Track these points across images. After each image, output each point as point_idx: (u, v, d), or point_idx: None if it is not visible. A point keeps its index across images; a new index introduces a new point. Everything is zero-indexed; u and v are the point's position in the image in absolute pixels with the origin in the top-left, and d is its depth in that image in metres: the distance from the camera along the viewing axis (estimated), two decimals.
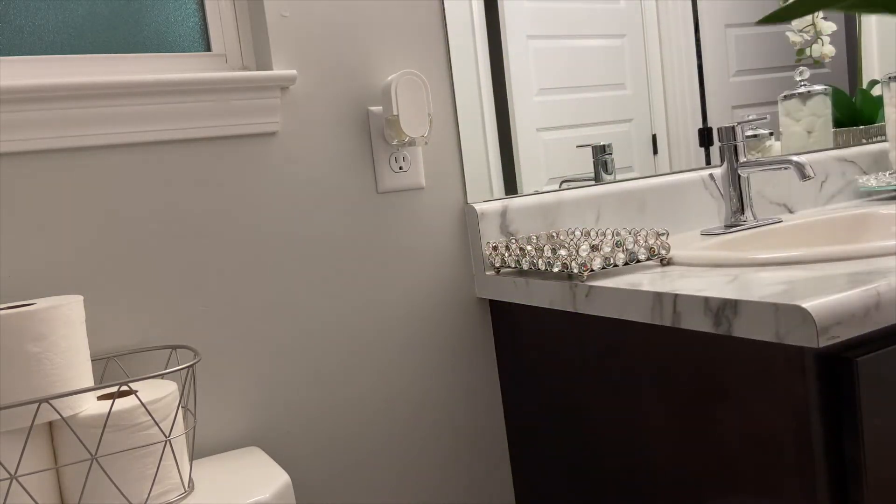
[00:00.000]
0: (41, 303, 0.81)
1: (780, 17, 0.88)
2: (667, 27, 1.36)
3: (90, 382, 0.81)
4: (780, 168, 1.17)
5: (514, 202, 1.17)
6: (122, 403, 0.79)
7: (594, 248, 0.97)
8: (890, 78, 1.42)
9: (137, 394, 0.81)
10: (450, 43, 1.16)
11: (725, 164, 1.24)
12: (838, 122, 1.56)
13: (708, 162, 1.42)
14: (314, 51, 1.06)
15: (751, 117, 1.45)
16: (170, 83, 0.94)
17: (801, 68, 1.51)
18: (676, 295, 0.81)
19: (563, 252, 0.99)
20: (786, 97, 1.50)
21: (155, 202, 0.97)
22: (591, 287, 0.93)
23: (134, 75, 0.94)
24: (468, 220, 1.17)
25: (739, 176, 1.23)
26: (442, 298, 1.16)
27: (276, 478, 0.88)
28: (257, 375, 1.03)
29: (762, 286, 0.78)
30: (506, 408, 1.21)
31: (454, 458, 1.17)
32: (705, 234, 1.23)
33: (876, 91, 1.59)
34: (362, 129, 1.10)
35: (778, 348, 0.72)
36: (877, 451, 0.71)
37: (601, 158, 1.30)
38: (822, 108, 1.51)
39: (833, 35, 1.54)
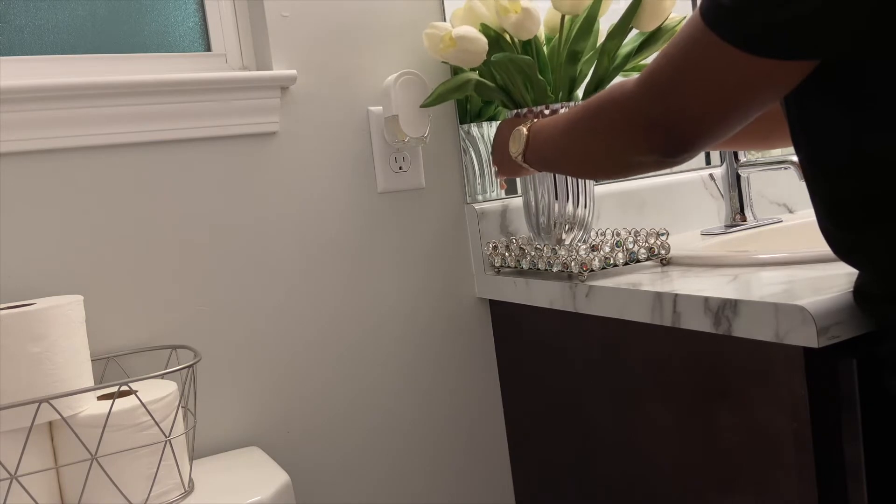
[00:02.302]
0: (41, 303, 0.81)
1: (429, 104, 1.12)
2: None
3: (90, 382, 0.82)
4: (780, 168, 1.17)
5: (515, 202, 1.17)
6: (122, 403, 0.79)
7: (594, 248, 0.97)
8: None
9: (137, 394, 0.81)
10: None
11: (725, 164, 1.24)
12: None
13: (708, 162, 1.42)
14: (314, 51, 1.06)
15: None
16: (170, 83, 0.94)
17: None
18: (676, 295, 0.81)
19: (563, 252, 0.99)
20: None
21: (155, 202, 0.97)
22: (591, 287, 0.93)
23: (134, 75, 0.94)
24: (468, 220, 1.17)
25: (739, 176, 1.23)
26: (442, 298, 1.16)
27: (276, 478, 0.88)
28: (257, 375, 1.03)
29: (762, 286, 0.79)
30: (506, 408, 1.21)
31: (454, 458, 1.17)
32: (705, 234, 1.23)
33: None
34: (362, 129, 1.10)
35: (778, 348, 0.72)
36: (877, 451, 0.71)
37: None
38: None
39: None
